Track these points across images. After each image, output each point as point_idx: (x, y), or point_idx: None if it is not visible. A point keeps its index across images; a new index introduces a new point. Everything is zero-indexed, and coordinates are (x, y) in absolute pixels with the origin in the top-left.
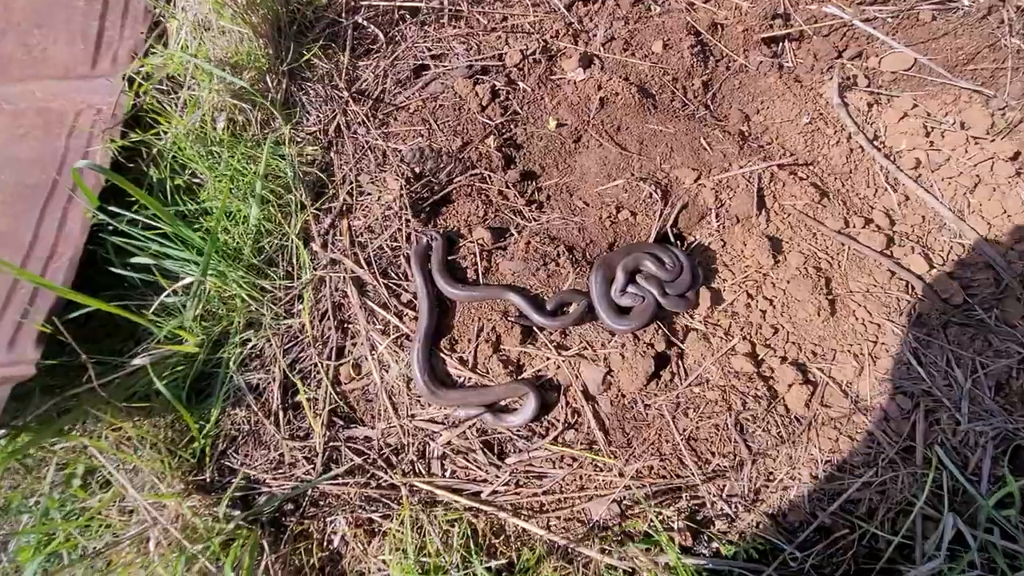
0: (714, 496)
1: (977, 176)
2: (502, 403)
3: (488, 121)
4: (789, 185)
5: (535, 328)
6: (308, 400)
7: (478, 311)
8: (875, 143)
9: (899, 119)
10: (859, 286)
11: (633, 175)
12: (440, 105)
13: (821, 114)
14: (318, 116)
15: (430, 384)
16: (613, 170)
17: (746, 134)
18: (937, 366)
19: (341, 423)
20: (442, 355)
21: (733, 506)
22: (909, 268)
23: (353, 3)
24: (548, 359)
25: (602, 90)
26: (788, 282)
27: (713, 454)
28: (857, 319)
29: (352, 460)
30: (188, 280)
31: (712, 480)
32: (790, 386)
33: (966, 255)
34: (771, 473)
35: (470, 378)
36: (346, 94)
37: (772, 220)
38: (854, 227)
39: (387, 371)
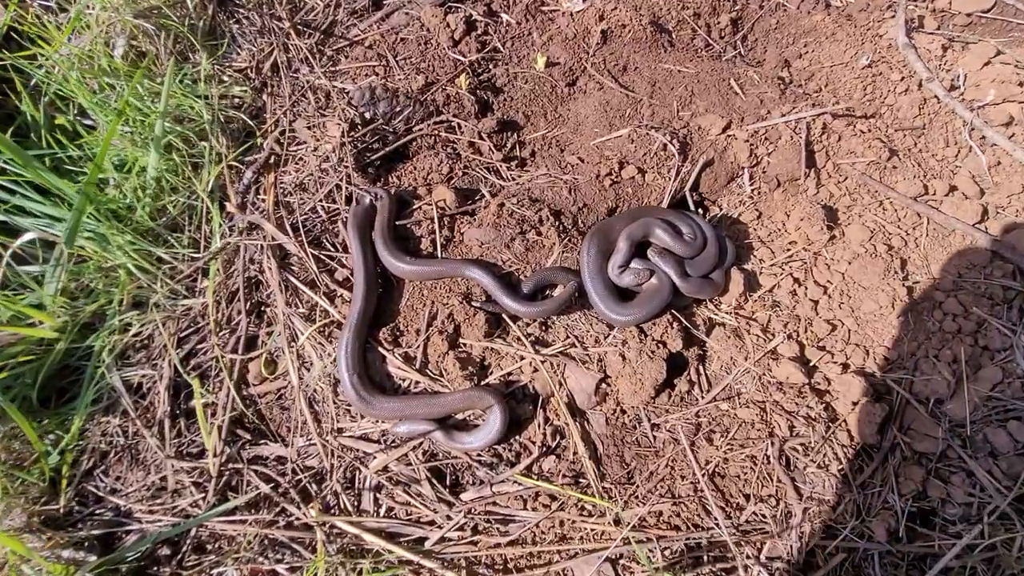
0: (749, 559)
1: None
2: (458, 417)
3: (460, 58)
4: (846, 139)
5: (506, 317)
6: (205, 406)
7: (431, 293)
8: (954, 93)
9: (982, 66)
10: (947, 270)
11: (642, 123)
12: (402, 39)
13: (883, 57)
14: (251, 50)
15: (360, 388)
16: (616, 117)
17: (787, 81)
18: None
19: (247, 438)
20: (381, 350)
21: (776, 574)
22: (1015, 247)
23: None
24: (522, 359)
25: (605, 21)
26: (849, 263)
27: (748, 498)
28: (946, 314)
29: (257, 488)
30: (29, 236)
31: (747, 536)
32: (855, 404)
33: None
34: (829, 527)
35: (417, 382)
36: (287, 24)
37: (824, 184)
38: (934, 194)
39: (308, 370)
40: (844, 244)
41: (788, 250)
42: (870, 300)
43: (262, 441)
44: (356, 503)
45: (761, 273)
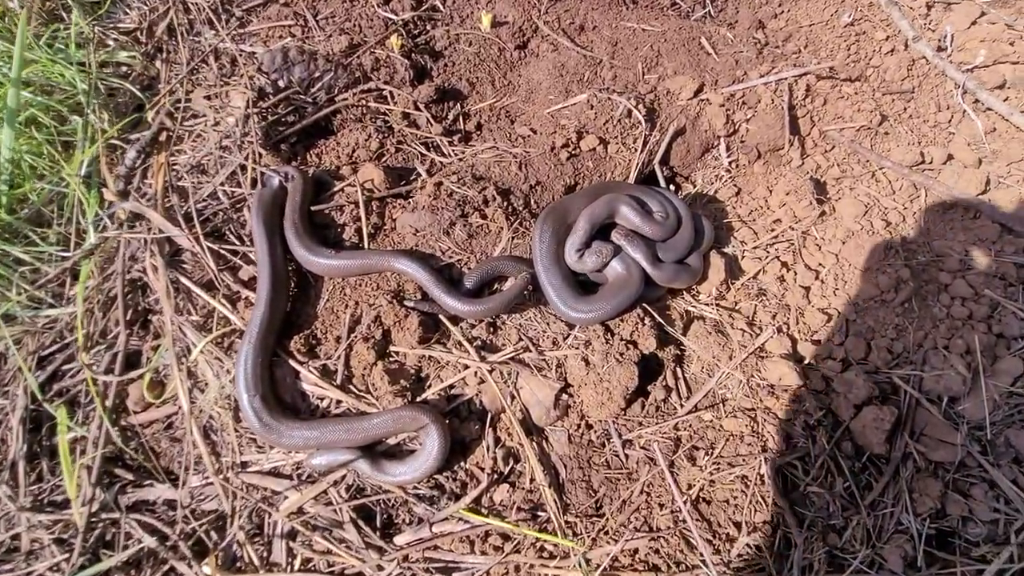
0: None
1: None
2: (389, 442)
3: (392, 16)
4: (832, 103)
5: (444, 318)
6: (72, 442)
7: (355, 292)
8: (943, 54)
9: (969, 25)
10: (952, 247)
11: (604, 88)
12: None
13: (864, 15)
14: (142, 9)
15: (263, 413)
16: (573, 82)
17: (763, 42)
18: None
19: (128, 479)
20: (293, 363)
21: None
22: None
23: None
24: (466, 368)
25: None
26: (843, 243)
27: (739, 527)
28: (953, 298)
29: (140, 543)
30: None
31: (739, 573)
32: (858, 408)
33: None
34: (835, 558)
35: (338, 401)
36: None
37: (810, 154)
38: (931, 163)
39: (203, 391)
40: (836, 221)
41: (773, 230)
42: (869, 284)
43: (147, 482)
44: (265, 555)
45: (744, 257)
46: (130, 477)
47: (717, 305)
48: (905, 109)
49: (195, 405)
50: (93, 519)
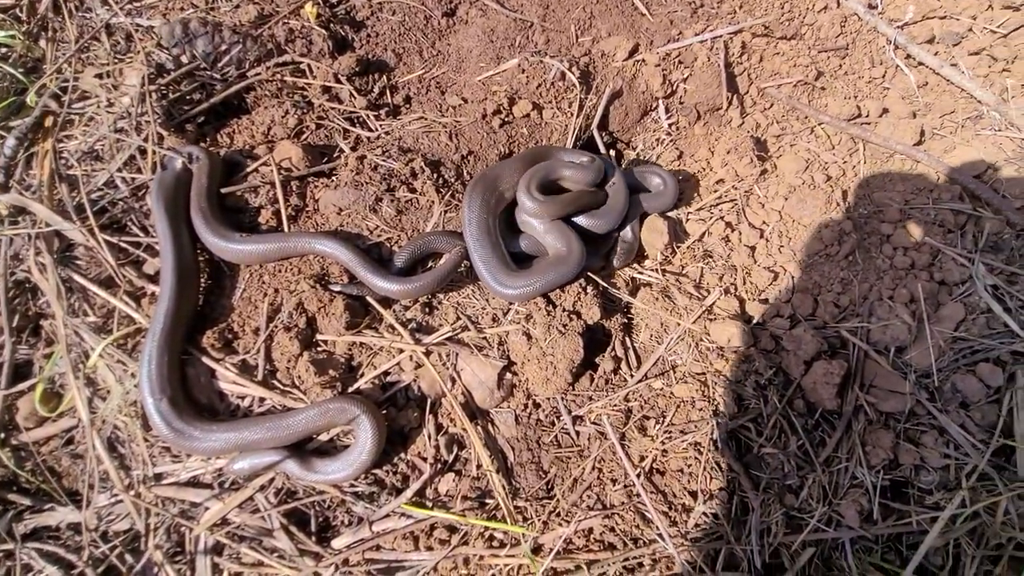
0: (705, 570)
1: (1015, 48)
2: (319, 439)
3: None
4: (768, 59)
5: (373, 300)
6: None
7: (274, 279)
8: (874, 11)
9: None
10: (891, 198)
11: (536, 51)
12: None
13: None
14: None
15: (172, 417)
16: (504, 47)
17: (697, 3)
18: None
19: (24, 504)
20: (208, 361)
21: None
22: (962, 167)
23: None
24: (400, 352)
25: None
26: (785, 199)
27: (695, 496)
28: (896, 248)
29: (41, 574)
30: None
31: (697, 545)
32: (808, 363)
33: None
34: (793, 518)
35: (261, 399)
36: None
37: (749, 112)
38: (867, 116)
39: (105, 399)
40: (778, 178)
41: (716, 190)
42: (814, 239)
43: (47, 506)
44: (188, 574)
45: (688, 220)
46: (26, 502)
47: (663, 270)
48: (840, 65)
49: (96, 416)
50: None
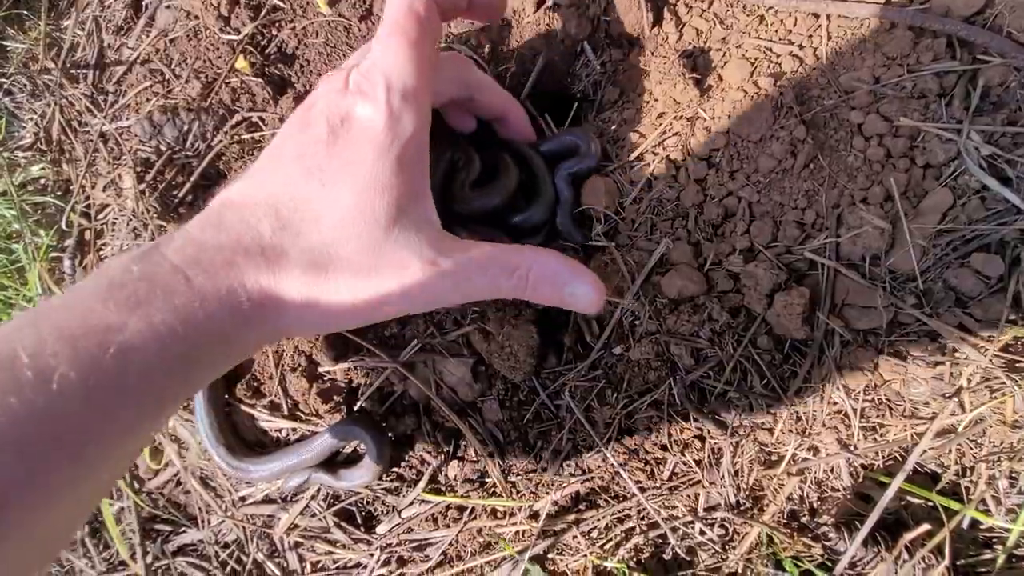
0: (681, 520)
1: None
2: (346, 451)
3: (234, 36)
4: None
5: (347, 333)
6: (116, 514)
7: None
8: None
9: None
10: (860, 79)
11: (452, 36)
12: (172, 40)
13: None
14: (33, 119)
15: (231, 459)
16: None
17: None
18: None
19: (167, 530)
20: (245, 407)
21: (719, 526)
22: (947, 10)
23: None
24: (384, 369)
25: None
26: (729, 117)
27: (665, 448)
28: (868, 138)
29: None
30: None
31: (672, 493)
32: (770, 295)
33: None
34: (770, 454)
35: (293, 429)
36: (58, 74)
37: (686, 20)
38: None
39: (187, 450)
40: (722, 93)
41: (658, 125)
42: (764, 156)
43: (180, 530)
44: (285, 565)
45: (632, 168)
46: (168, 529)
47: (611, 232)
48: None
49: (186, 462)
50: (151, 568)
